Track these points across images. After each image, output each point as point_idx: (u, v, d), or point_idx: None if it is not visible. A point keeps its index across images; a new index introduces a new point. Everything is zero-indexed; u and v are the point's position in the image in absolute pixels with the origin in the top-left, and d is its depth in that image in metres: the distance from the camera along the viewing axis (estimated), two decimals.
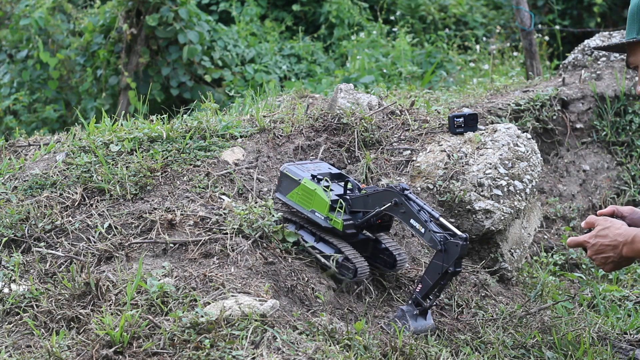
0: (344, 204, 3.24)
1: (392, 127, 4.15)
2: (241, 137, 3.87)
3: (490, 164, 3.77)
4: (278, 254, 3.22)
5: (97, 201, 3.43)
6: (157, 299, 2.84)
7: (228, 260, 3.10)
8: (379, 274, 3.46)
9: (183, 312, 2.75)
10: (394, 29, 10.17)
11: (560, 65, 5.95)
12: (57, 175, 3.57)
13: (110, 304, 2.86)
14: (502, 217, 3.73)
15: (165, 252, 3.17)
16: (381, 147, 4.02)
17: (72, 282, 2.94)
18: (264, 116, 4.10)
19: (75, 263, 3.11)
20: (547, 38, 9.74)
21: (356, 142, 4.00)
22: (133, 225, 3.29)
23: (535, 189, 3.93)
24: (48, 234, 3.29)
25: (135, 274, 2.92)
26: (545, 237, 4.66)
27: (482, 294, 3.63)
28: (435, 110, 4.42)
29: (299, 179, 3.35)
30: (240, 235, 3.22)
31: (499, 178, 3.76)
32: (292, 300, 3.09)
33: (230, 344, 2.63)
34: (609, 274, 4.33)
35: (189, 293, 2.89)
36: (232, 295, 2.88)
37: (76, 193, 3.47)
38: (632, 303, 3.93)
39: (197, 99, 7.46)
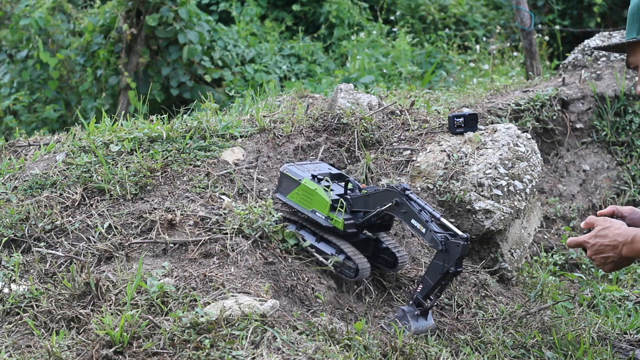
0: (344, 203, 3.24)
1: (392, 127, 4.15)
2: (241, 137, 3.87)
3: (490, 164, 3.77)
4: (278, 254, 3.21)
5: (97, 201, 3.43)
6: (157, 299, 2.84)
7: (228, 260, 3.10)
8: (379, 273, 3.46)
9: (183, 312, 2.75)
10: (394, 29, 10.17)
11: (560, 65, 5.95)
12: (57, 175, 3.57)
13: (110, 304, 2.86)
14: (502, 217, 3.73)
15: (165, 252, 3.17)
16: (381, 147, 4.02)
17: (72, 282, 2.94)
18: (264, 116, 4.10)
19: (75, 263, 3.11)
20: (547, 38, 9.74)
21: (356, 142, 4.00)
22: (133, 225, 3.29)
23: (535, 189, 3.93)
24: (48, 234, 3.29)
25: (135, 274, 2.92)
26: (545, 237, 4.65)
27: (482, 294, 3.63)
28: (435, 110, 4.42)
29: (299, 179, 3.35)
30: (240, 235, 3.22)
31: (499, 178, 3.76)
32: (292, 300, 3.09)
33: (230, 344, 2.63)
34: (609, 274, 4.32)
35: (189, 293, 2.89)
36: (232, 295, 2.88)
37: (76, 193, 3.46)
38: (632, 303, 3.93)
39: (197, 99, 7.46)
